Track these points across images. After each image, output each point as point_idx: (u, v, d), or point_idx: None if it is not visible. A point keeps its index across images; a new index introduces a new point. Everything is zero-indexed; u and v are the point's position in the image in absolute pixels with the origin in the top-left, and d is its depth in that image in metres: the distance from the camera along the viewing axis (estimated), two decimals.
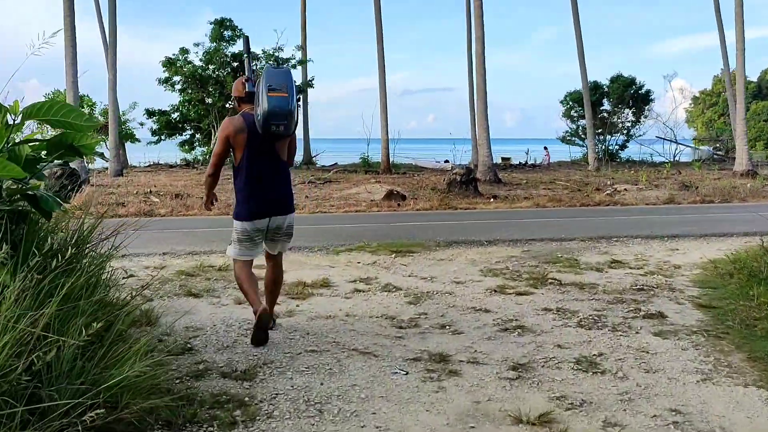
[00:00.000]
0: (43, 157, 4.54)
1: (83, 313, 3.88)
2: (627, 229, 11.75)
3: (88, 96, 31.52)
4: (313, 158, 36.46)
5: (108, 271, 5.32)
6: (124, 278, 5.63)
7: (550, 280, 7.50)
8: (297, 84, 6.06)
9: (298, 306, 6.49)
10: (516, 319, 5.98)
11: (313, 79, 35.81)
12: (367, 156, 33.98)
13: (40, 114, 4.21)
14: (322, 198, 19.27)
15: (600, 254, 9.29)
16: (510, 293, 6.97)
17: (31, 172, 4.53)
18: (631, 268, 8.33)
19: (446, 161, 35.83)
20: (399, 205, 16.06)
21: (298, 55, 35.16)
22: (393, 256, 8.96)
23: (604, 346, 5.24)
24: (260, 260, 5.84)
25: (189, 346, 5.19)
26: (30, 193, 4.28)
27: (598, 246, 10.00)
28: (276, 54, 33.99)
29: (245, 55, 5.52)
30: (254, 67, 5.88)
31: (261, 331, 5.18)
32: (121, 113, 32.76)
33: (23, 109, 4.19)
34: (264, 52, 34.05)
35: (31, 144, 4.50)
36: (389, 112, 30.63)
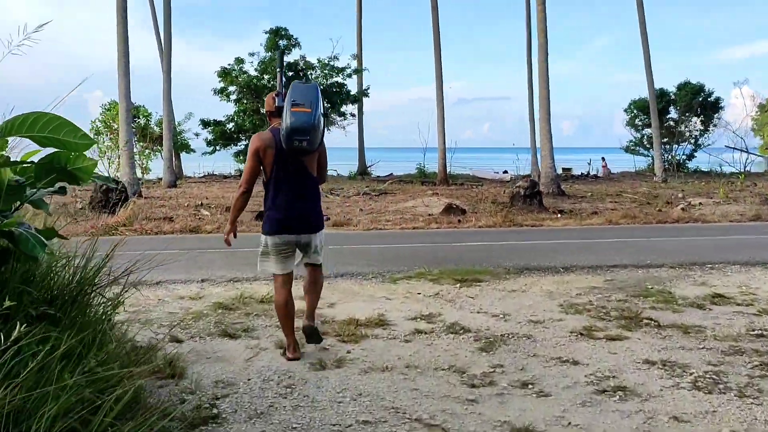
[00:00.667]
0: (31, 182, 3.60)
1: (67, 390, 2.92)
2: (720, 253, 10.40)
3: (144, 107, 31.23)
4: (368, 168, 35.52)
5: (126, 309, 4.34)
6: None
7: (644, 321, 6.31)
8: (323, 98, 5.65)
9: (349, 353, 5.43)
10: (614, 376, 4.84)
11: (368, 89, 34.97)
12: (423, 166, 32.91)
13: (24, 129, 3.29)
14: (377, 212, 18.28)
15: (696, 285, 8.03)
16: (599, 337, 5.80)
17: (15, 200, 3.60)
18: (738, 304, 7.06)
19: (505, 172, 34.52)
20: (459, 221, 14.93)
21: (354, 64, 34.31)
22: (458, 285, 7.86)
23: (734, 419, 4.08)
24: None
25: (215, 411, 4.18)
26: (6, 230, 3.33)
27: (692, 274, 8.71)
28: (331, 63, 33.22)
29: (278, 70, 5.62)
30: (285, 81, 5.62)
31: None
32: (176, 123, 32.38)
33: (3, 123, 3.27)
34: (319, 61, 33.30)
35: (19, 166, 3.59)
36: (445, 121, 29.54)
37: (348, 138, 36.14)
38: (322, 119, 5.00)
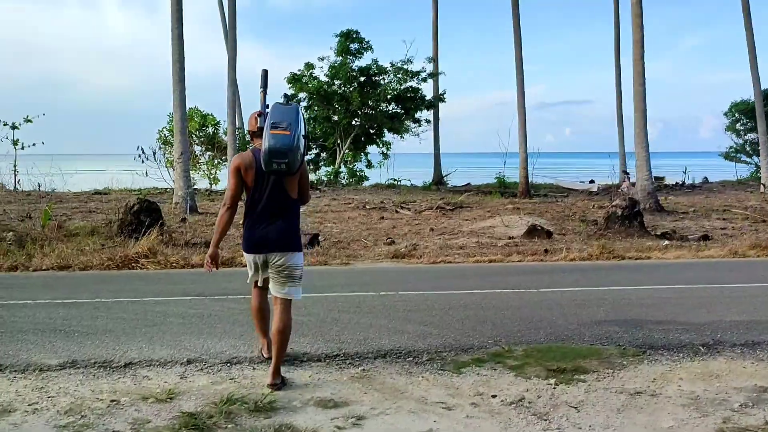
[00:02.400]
0: None
1: None
2: None
3: (212, 115, 29.27)
4: (444, 178, 32.78)
5: None
6: None
7: None
8: (305, 120, 5.15)
9: None
10: None
11: (444, 93, 32.27)
12: (503, 176, 30.00)
13: None
14: (450, 232, 15.63)
15: None
16: None
17: None
18: None
19: (592, 181, 31.26)
20: (546, 251, 12.08)
21: (429, 67, 31.72)
22: (552, 382, 5.13)
23: None
24: None
25: None
26: None
27: None
28: (405, 67, 30.71)
29: (261, 89, 5.25)
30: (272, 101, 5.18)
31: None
32: (245, 132, 30.42)
33: None
34: (392, 65, 30.87)
35: None
36: (527, 125, 26.55)
37: (423, 145, 33.45)
38: (302, 141, 4.90)
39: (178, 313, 7.32)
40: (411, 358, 5.71)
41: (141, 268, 10.34)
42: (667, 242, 13.26)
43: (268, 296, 5.39)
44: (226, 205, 5.10)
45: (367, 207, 21.22)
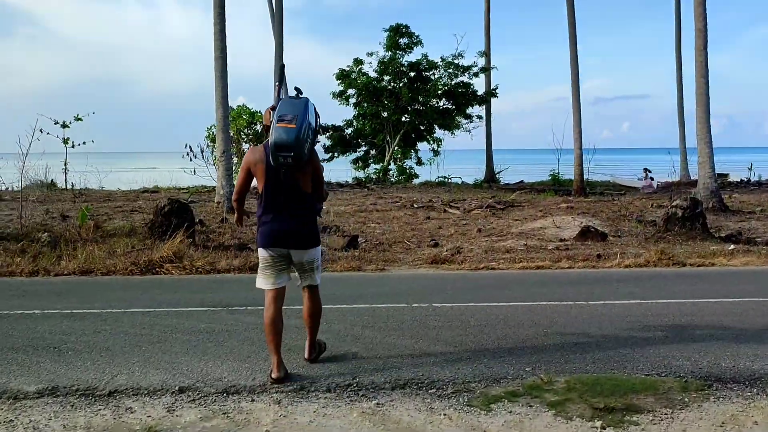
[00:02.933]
0: None
1: None
2: None
3: (260, 112, 28.77)
4: (496, 175, 31.71)
5: None
6: None
7: None
8: (315, 114, 4.99)
9: None
10: None
11: (496, 88, 31.20)
12: (557, 173, 28.80)
13: None
14: (498, 233, 14.72)
15: None
16: None
17: None
18: None
19: (651, 178, 29.82)
20: (599, 256, 11.10)
21: (481, 61, 30.68)
22: (598, 426, 4.27)
23: None
24: None
25: None
26: None
27: None
28: (456, 61, 29.76)
29: (276, 84, 5.27)
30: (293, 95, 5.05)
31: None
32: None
33: None
34: (443, 59, 29.97)
35: None
36: (582, 121, 25.34)
37: (474, 141, 32.44)
38: (310, 134, 4.82)
39: (187, 328, 6.67)
40: (434, 390, 4.90)
41: (165, 274, 9.76)
42: (732, 246, 12.11)
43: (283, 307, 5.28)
44: (233, 199, 5.35)
45: (415, 206, 20.45)
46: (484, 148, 31.78)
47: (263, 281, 5.14)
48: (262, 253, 5.12)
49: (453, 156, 32.97)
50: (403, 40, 29.64)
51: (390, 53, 29.67)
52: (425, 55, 29.89)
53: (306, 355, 5.44)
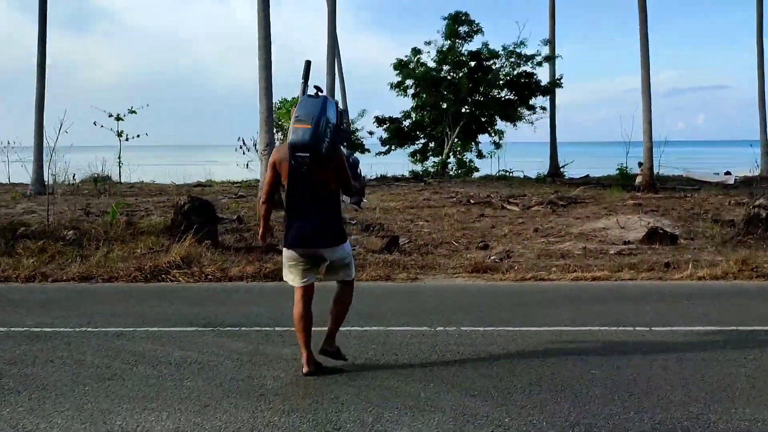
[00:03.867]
0: None
1: None
2: None
3: None
4: (560, 169, 29.81)
5: None
6: None
7: None
8: (339, 110, 4.90)
9: None
10: None
11: (561, 78, 29.25)
12: (626, 167, 26.79)
13: None
14: (556, 233, 13.23)
15: None
16: None
17: None
18: None
19: (727, 173, 27.49)
20: (667, 264, 9.48)
21: (545, 50, 28.80)
22: None
23: None
24: None
25: None
26: None
27: None
28: (517, 50, 28.01)
29: (302, 81, 5.09)
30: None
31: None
32: (350, 121, 28.81)
33: None
34: (504, 48, 28.22)
35: None
36: (654, 113, 23.28)
37: (537, 133, 30.52)
38: (328, 133, 4.71)
39: (157, 357, 5.48)
40: None
41: (172, 281, 8.67)
42: None
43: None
44: (261, 199, 5.30)
45: (471, 201, 19.02)
46: (548, 140, 29.91)
47: (291, 278, 5.11)
48: (287, 252, 5.06)
49: (516, 149, 31.23)
50: (462, 29, 28.00)
51: (449, 42, 28.10)
52: (486, 44, 28.19)
53: (321, 344, 5.14)
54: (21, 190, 19.90)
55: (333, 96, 23.47)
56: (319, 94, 4.90)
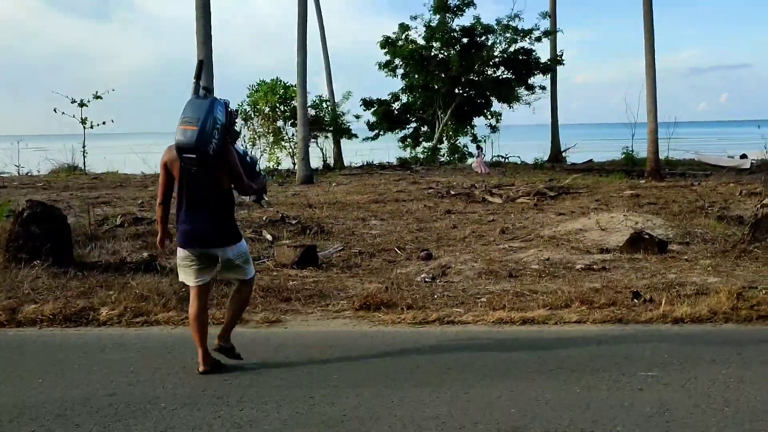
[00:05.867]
0: None
1: None
2: None
3: (293, 85, 25.12)
4: (562, 154, 27.10)
5: None
6: None
7: None
8: (230, 111, 4.80)
9: None
10: None
11: (562, 55, 26.50)
12: (632, 151, 24.10)
13: None
14: (523, 237, 10.82)
15: None
16: None
17: None
18: None
19: (743, 156, 24.63)
20: (636, 296, 6.86)
21: (544, 24, 26.05)
22: None
23: None
24: None
25: None
26: None
27: None
28: (512, 24, 25.28)
29: (194, 80, 4.93)
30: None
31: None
32: (335, 105, 26.31)
33: None
34: (498, 22, 25.49)
35: None
36: (669, 93, 20.61)
37: (537, 115, 27.91)
38: (215, 134, 4.59)
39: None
40: None
41: None
42: None
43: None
44: (158, 200, 5.03)
45: (451, 193, 16.59)
46: (549, 123, 27.20)
47: (185, 278, 4.98)
48: (180, 251, 4.93)
49: (515, 131, 28.54)
50: (452, 1, 25.34)
51: (438, 16, 25.43)
52: (478, 18, 25.45)
53: (216, 340, 5.01)
54: None
55: (303, 76, 20.89)
56: (207, 95, 4.74)
